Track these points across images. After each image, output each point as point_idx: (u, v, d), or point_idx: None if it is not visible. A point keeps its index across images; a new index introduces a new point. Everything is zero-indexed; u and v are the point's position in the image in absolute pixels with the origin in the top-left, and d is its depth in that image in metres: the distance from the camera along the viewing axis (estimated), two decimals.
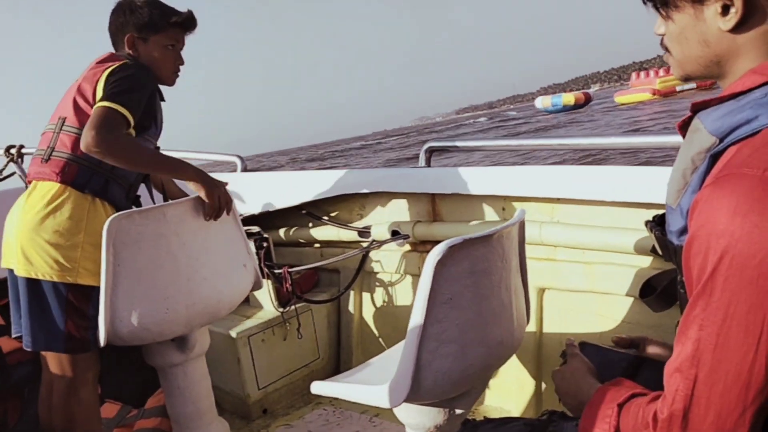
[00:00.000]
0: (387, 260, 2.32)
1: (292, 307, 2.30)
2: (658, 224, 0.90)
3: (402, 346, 1.21)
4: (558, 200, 1.81)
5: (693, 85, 30.13)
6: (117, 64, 1.58)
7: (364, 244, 2.30)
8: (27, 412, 2.01)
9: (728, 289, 0.62)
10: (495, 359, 1.32)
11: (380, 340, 2.42)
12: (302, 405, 2.28)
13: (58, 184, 1.54)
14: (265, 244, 2.26)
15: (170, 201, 1.77)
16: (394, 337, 2.31)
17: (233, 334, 2.16)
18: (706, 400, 0.64)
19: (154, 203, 1.85)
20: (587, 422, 0.81)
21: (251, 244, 2.16)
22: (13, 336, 1.62)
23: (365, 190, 2.30)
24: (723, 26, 0.71)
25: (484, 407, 2.06)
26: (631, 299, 1.65)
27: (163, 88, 1.76)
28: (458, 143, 2.26)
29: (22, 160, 2.88)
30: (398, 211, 2.26)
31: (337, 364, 2.51)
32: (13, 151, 2.84)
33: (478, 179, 1.96)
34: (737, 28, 0.71)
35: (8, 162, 2.88)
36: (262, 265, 2.20)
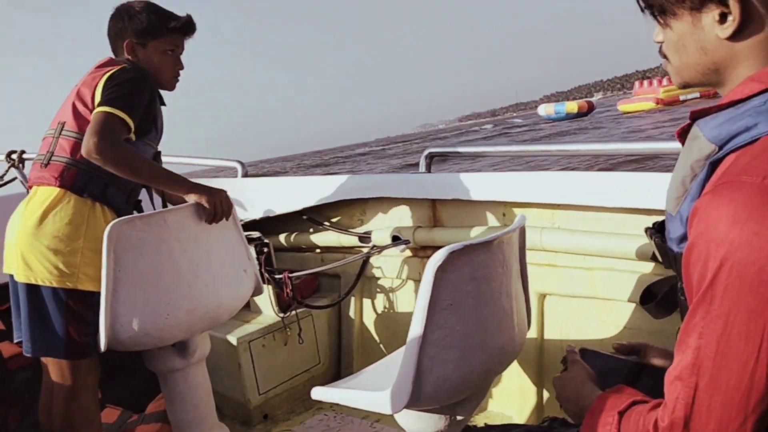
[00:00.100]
0: (387, 266, 2.32)
1: (293, 312, 2.30)
2: (657, 231, 0.90)
3: (402, 351, 1.21)
4: (558, 206, 1.81)
5: (697, 94, 29.96)
6: (116, 68, 1.59)
7: (365, 250, 2.30)
8: (28, 417, 2.01)
9: (728, 297, 0.62)
10: (496, 365, 1.32)
11: (381, 345, 2.42)
12: (303, 410, 2.28)
13: (58, 189, 1.54)
14: (265, 250, 2.26)
15: (171, 207, 1.77)
16: (394, 342, 2.31)
17: (234, 339, 2.16)
18: (707, 408, 0.64)
19: (154, 208, 1.85)
20: (588, 429, 0.81)
21: (252, 250, 2.16)
22: (15, 341, 1.62)
23: (366, 196, 2.30)
24: (721, 34, 0.71)
25: (485, 413, 2.06)
26: (632, 305, 1.65)
27: (165, 93, 1.76)
28: (458, 149, 2.27)
29: (23, 166, 2.90)
30: (399, 216, 2.26)
31: (337, 370, 2.51)
32: (14, 156, 2.85)
33: (478, 185, 1.97)
34: (735, 36, 0.71)
35: (9, 167, 2.89)
36: (263, 270, 2.20)
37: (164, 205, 1.91)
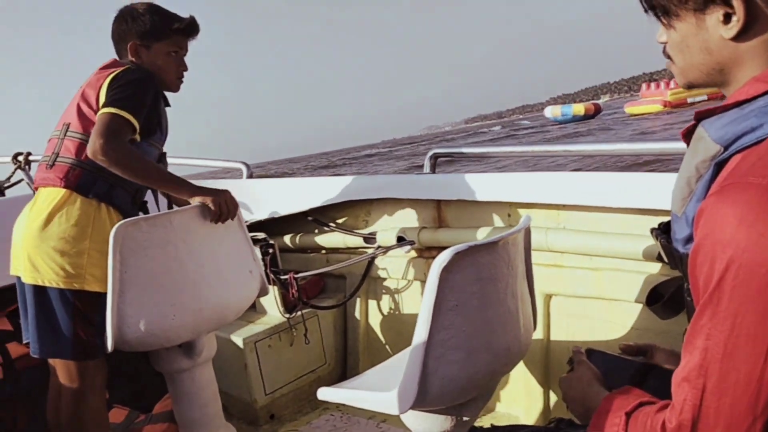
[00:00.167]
0: (393, 266, 2.32)
1: (299, 312, 2.30)
2: (663, 232, 0.90)
3: (408, 352, 1.21)
4: (564, 206, 1.81)
5: (705, 96, 29.61)
6: (120, 69, 1.59)
7: (370, 250, 2.30)
8: (36, 417, 2.03)
9: (735, 299, 0.62)
10: (502, 366, 1.32)
11: (386, 346, 2.42)
12: (309, 410, 2.28)
13: (63, 190, 1.55)
14: (271, 251, 2.27)
15: (176, 208, 1.78)
16: (400, 342, 2.31)
17: (240, 339, 2.16)
18: (715, 410, 0.64)
19: (159, 209, 1.86)
20: (595, 430, 0.81)
21: (257, 251, 2.17)
22: (24, 342, 1.63)
23: (371, 197, 2.30)
24: (725, 34, 0.71)
25: (491, 414, 2.06)
26: (639, 306, 1.65)
27: (170, 95, 1.77)
28: (463, 149, 2.26)
29: (29, 168, 2.92)
30: (404, 217, 2.26)
31: (343, 370, 2.51)
32: (20, 158, 2.88)
33: (483, 185, 1.96)
34: (739, 37, 0.70)
35: (16, 169, 2.92)
36: (268, 271, 2.21)
37: (170, 207, 1.92)
